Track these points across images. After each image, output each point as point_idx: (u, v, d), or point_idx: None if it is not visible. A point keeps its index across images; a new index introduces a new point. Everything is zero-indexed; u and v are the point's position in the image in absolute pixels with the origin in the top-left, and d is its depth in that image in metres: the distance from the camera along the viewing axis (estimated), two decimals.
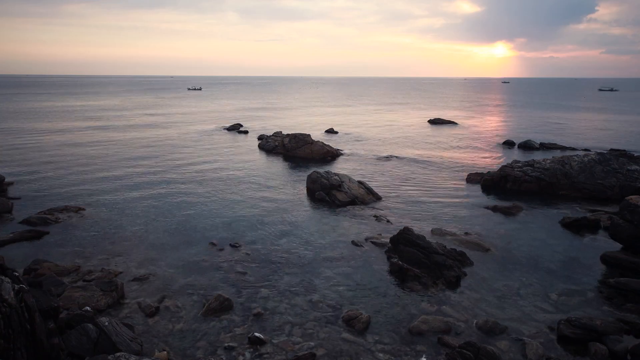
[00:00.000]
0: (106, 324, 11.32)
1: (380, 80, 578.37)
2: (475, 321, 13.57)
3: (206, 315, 13.74)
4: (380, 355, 11.96)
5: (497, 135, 55.84)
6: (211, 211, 24.34)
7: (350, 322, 13.36)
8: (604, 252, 18.38)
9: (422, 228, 21.45)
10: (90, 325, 11.05)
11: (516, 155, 41.86)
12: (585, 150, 43.28)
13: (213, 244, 19.46)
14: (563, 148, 45.50)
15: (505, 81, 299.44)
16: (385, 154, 41.65)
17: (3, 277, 9.32)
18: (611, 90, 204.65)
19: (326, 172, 28.85)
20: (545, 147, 46.29)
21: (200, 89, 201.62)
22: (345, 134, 56.22)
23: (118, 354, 9.48)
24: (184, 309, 14.15)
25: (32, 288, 10.57)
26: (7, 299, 8.86)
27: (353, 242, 19.77)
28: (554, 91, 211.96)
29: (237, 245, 19.39)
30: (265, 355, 11.85)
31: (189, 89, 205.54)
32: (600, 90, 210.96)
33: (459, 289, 15.68)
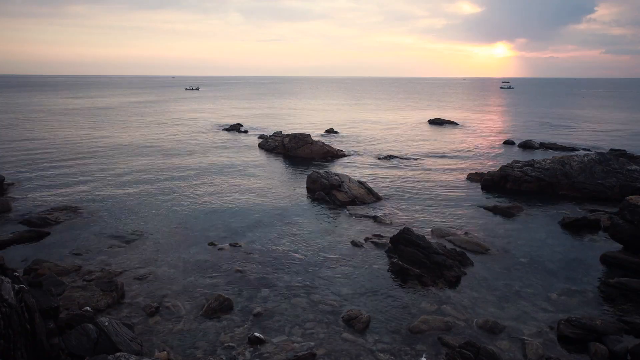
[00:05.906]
0: (106, 324, 11.32)
1: (382, 80, 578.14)
2: (475, 321, 13.57)
3: (206, 315, 13.74)
4: (381, 355, 11.96)
5: (497, 135, 55.85)
6: (211, 211, 24.34)
7: (350, 322, 13.36)
8: (604, 252, 18.38)
9: (422, 228, 21.47)
10: (90, 325, 11.05)
11: (516, 155, 41.82)
12: (585, 150, 43.28)
13: (213, 244, 19.46)
14: (563, 148, 45.48)
15: (505, 81, 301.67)
16: (385, 154, 41.64)
17: (3, 277, 9.32)
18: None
19: (326, 172, 28.86)
20: (545, 147, 46.28)
21: (197, 89, 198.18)
22: (346, 134, 56.21)
23: (118, 354, 9.48)
24: (184, 309, 14.15)
25: (32, 288, 10.57)
26: (7, 299, 8.86)
27: (353, 242, 19.77)
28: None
29: (237, 245, 19.40)
30: (265, 355, 11.85)
31: (186, 89, 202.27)
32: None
33: (459, 289, 15.68)
